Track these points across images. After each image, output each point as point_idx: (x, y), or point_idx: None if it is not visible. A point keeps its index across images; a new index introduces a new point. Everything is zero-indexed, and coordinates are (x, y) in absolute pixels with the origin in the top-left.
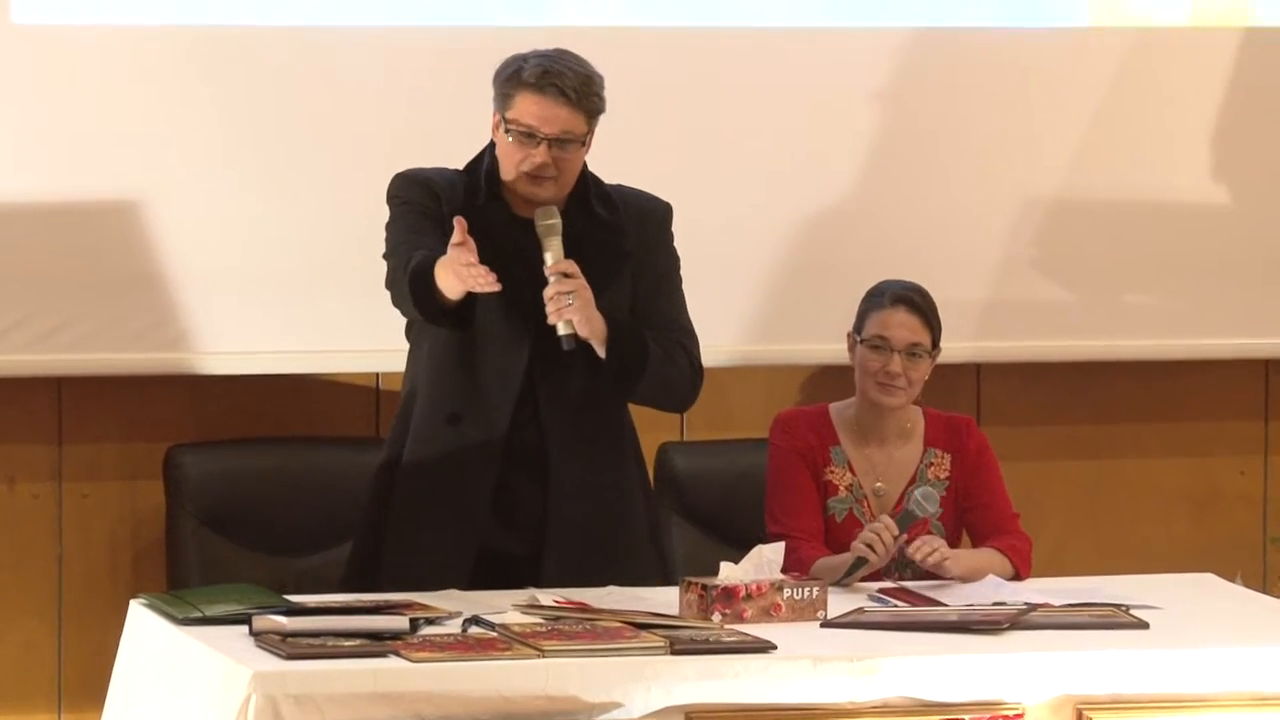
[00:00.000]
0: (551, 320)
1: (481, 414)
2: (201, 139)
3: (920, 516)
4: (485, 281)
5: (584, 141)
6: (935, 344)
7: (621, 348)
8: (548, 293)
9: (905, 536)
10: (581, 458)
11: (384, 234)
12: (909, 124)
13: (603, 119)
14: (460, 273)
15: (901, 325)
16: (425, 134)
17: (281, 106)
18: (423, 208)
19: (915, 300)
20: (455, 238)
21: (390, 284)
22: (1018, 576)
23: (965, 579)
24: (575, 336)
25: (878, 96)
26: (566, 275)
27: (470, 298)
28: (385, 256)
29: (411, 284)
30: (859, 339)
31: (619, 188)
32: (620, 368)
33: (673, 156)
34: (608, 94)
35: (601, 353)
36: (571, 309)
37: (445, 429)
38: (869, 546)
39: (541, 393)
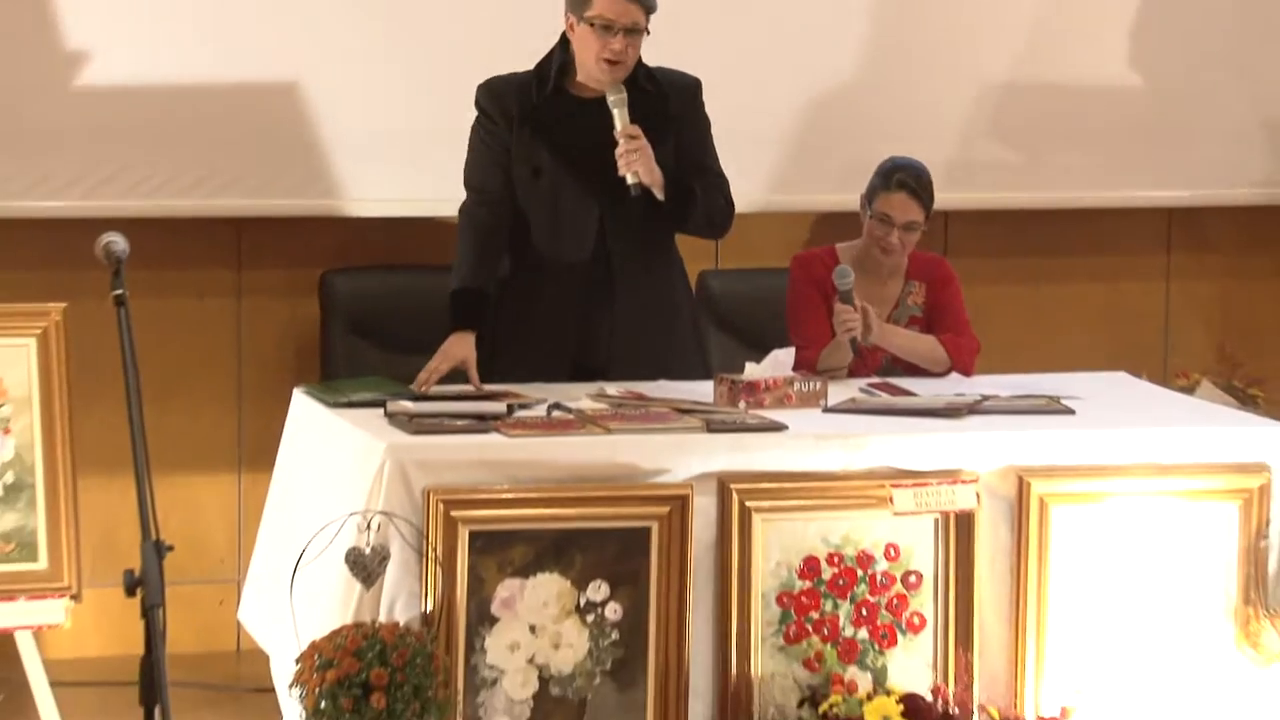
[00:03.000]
0: (622, 172)
1: (564, 253)
2: (351, 26)
3: (846, 289)
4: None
5: (646, 31)
6: (928, 216)
7: (676, 190)
8: (619, 151)
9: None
10: (641, 284)
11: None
12: (896, 18)
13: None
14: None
15: (902, 206)
16: (520, 23)
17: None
18: (492, 124)
19: (914, 187)
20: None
21: (461, 217)
22: (953, 365)
23: (903, 352)
24: (640, 184)
25: None
26: (632, 137)
27: (485, 307)
28: (465, 179)
29: (454, 297)
30: (869, 210)
31: (658, 68)
32: (676, 206)
33: (705, 45)
34: None
35: (660, 196)
36: (638, 162)
37: (536, 265)
38: (848, 329)
39: (610, 236)
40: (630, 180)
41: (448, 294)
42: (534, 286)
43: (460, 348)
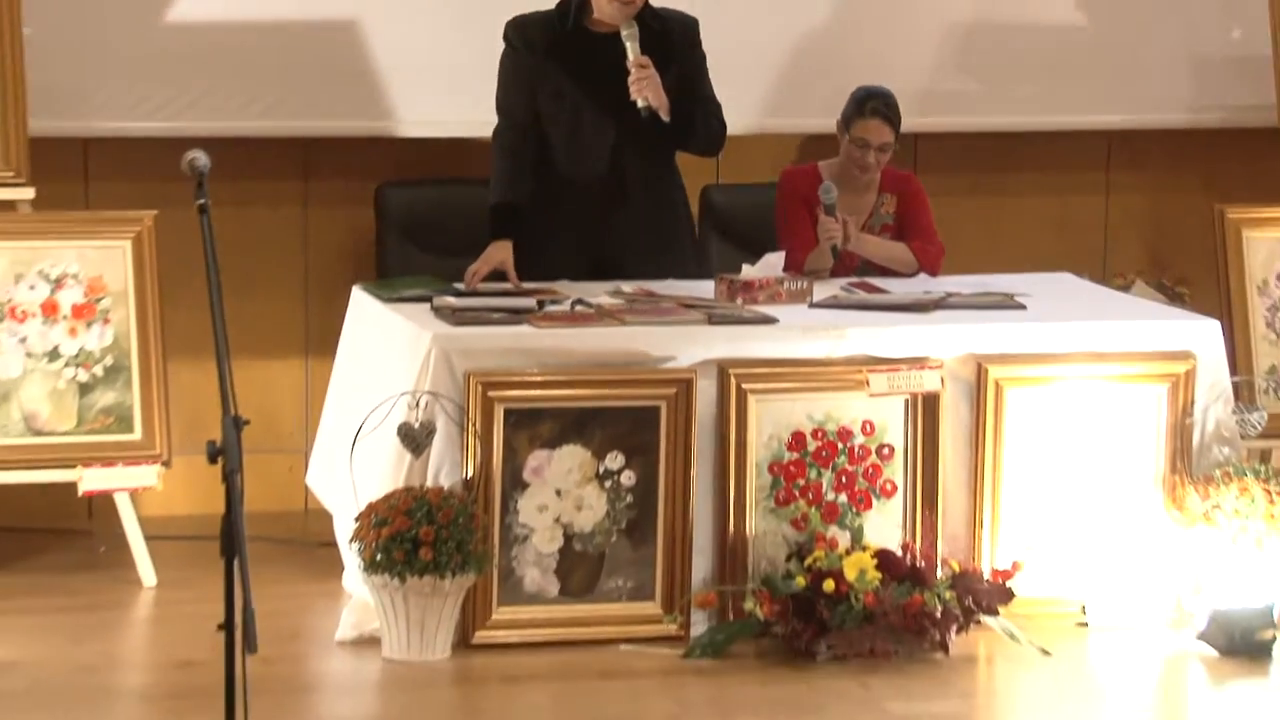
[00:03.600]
0: (634, 97)
1: (584, 169)
2: None
3: (830, 203)
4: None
5: None
6: (898, 137)
7: (677, 114)
8: (631, 78)
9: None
10: (649, 195)
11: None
12: None
13: None
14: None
15: (876, 131)
16: None
17: None
18: (519, 56)
19: (885, 113)
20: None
21: (494, 139)
22: (921, 267)
23: (878, 257)
24: (650, 107)
25: None
26: (642, 66)
27: (519, 218)
28: (497, 105)
29: (492, 210)
30: (847, 134)
31: (662, 8)
32: (677, 127)
33: None
34: None
35: (666, 118)
36: (647, 88)
37: (559, 180)
38: (830, 237)
39: (624, 154)
40: (641, 104)
41: (486, 207)
42: (557, 199)
43: (499, 253)
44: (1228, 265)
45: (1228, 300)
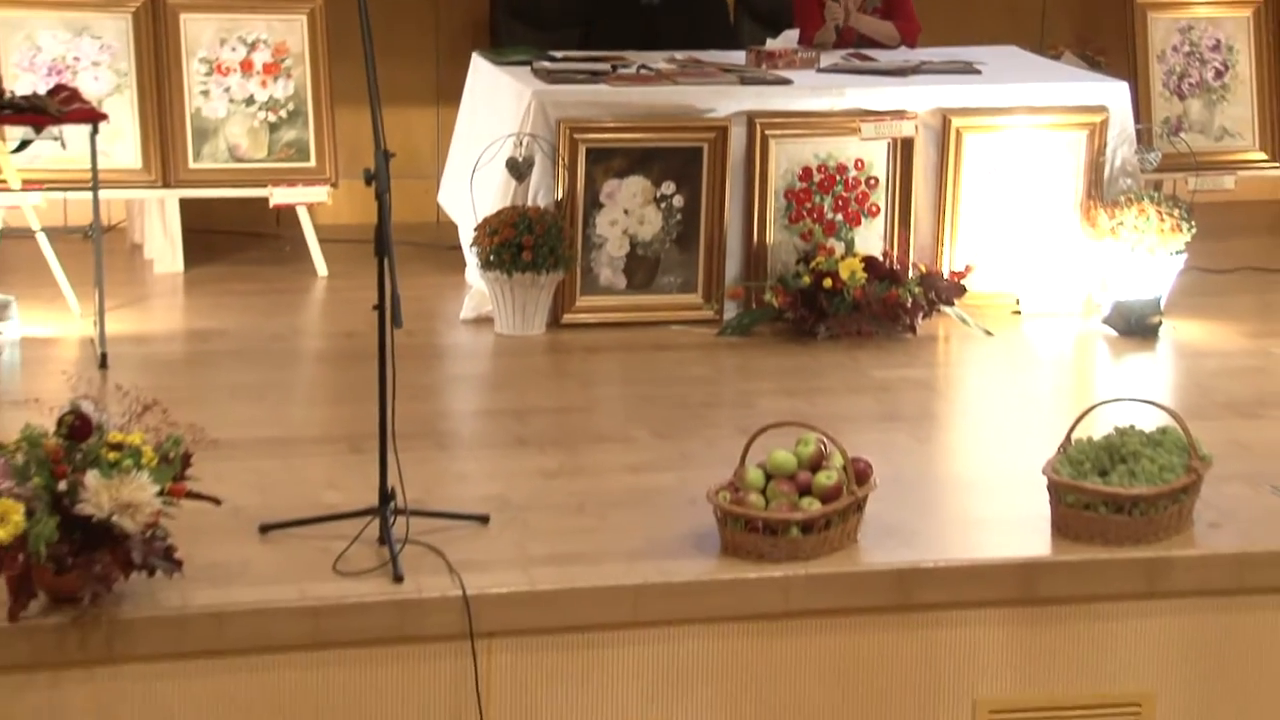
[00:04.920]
0: None
1: None
2: None
3: None
4: None
5: None
6: None
7: None
8: None
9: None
10: None
11: None
12: None
13: None
14: None
15: None
16: None
17: None
18: None
19: None
20: None
21: None
22: (903, 41)
23: (869, 33)
24: None
25: None
26: None
27: None
28: None
29: None
30: None
31: None
32: None
33: None
34: None
35: None
36: None
37: None
38: (834, 18)
39: None
40: None
41: None
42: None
43: None
44: (1134, 39)
45: (1134, 66)
